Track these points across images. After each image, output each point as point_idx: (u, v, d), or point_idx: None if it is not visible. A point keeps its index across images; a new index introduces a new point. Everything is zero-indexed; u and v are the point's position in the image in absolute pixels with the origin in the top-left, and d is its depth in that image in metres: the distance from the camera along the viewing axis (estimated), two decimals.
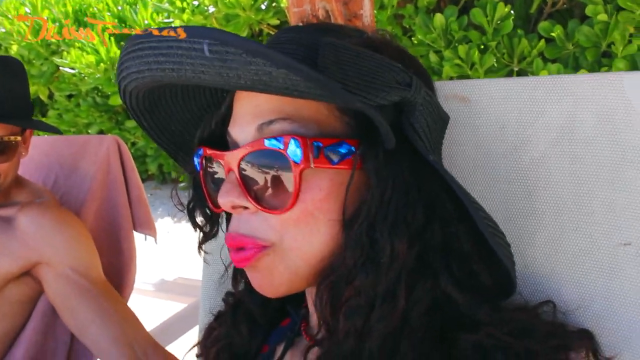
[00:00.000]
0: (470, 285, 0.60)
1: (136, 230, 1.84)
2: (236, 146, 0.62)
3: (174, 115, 0.72)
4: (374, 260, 0.57)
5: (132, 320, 1.41)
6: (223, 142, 0.66)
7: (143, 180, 1.87)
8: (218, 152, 0.63)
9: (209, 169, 0.67)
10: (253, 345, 0.78)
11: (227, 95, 0.68)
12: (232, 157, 0.61)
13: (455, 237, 0.60)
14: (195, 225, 0.75)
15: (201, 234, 0.76)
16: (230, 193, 0.60)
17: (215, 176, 0.66)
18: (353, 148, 0.59)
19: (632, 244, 0.66)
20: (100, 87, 5.06)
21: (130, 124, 5.45)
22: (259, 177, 0.60)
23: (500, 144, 0.74)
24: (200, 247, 0.77)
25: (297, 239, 0.60)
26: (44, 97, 5.95)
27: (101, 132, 5.81)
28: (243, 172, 0.60)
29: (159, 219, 5.13)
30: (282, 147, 0.58)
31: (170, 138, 0.75)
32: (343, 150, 0.59)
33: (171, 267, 3.71)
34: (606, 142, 0.68)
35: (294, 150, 0.57)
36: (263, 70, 0.48)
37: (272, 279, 0.62)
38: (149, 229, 1.83)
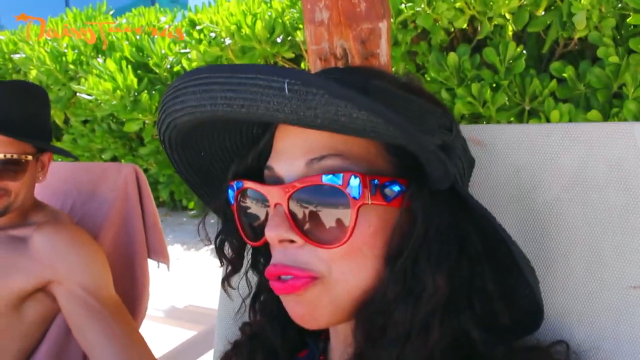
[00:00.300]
0: (489, 324, 0.62)
1: (150, 258, 1.86)
2: (280, 181, 0.64)
3: (205, 151, 0.74)
4: (415, 294, 0.59)
5: (139, 345, 1.41)
6: (258, 177, 0.67)
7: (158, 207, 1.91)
8: (264, 186, 0.64)
9: (242, 204, 0.69)
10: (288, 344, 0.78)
11: (268, 131, 0.70)
12: (280, 192, 0.62)
13: (480, 275, 0.62)
14: (224, 258, 0.77)
15: (229, 267, 0.77)
16: (279, 227, 0.61)
17: (249, 211, 0.68)
18: (404, 187, 0.61)
19: None
20: (115, 114, 5.12)
21: (144, 150, 5.50)
22: (310, 212, 0.61)
23: (515, 187, 0.77)
24: (227, 280, 0.78)
25: (344, 273, 0.62)
26: (59, 122, 6.02)
27: (115, 157, 5.86)
28: (292, 206, 0.62)
29: (169, 246, 5.12)
30: (340, 183, 0.59)
31: (198, 173, 0.76)
32: (396, 189, 0.61)
33: (181, 294, 3.71)
34: (616, 188, 0.71)
35: (353, 186, 0.59)
36: (344, 111, 0.50)
37: (315, 311, 0.63)
38: (162, 257, 1.86)
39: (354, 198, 0.59)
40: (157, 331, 2.73)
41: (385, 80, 0.65)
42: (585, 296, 0.72)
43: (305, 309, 0.63)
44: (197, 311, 2.31)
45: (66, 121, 6.10)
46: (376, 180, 0.60)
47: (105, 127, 5.68)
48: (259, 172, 0.69)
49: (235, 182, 0.68)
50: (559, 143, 0.75)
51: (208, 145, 0.73)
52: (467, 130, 0.81)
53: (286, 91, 0.50)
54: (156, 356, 1.95)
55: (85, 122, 5.93)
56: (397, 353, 0.60)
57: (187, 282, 3.92)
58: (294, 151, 0.63)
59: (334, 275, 0.62)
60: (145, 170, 5.79)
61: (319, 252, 0.61)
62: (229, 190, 0.69)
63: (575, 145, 0.74)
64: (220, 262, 0.78)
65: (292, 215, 0.61)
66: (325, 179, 0.59)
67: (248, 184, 0.66)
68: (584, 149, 0.73)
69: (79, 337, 1.39)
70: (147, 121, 4.94)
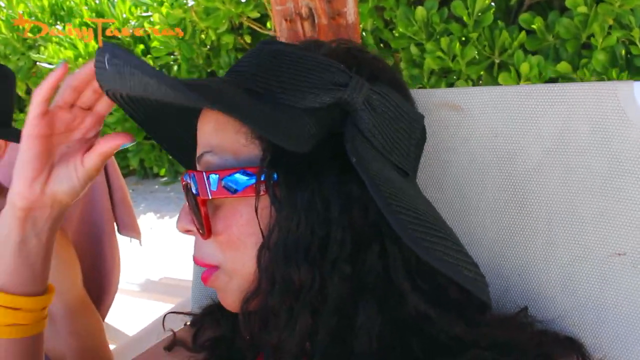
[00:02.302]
0: (441, 300, 0.59)
1: (120, 233, 1.82)
2: None
3: (175, 126, 0.76)
4: (276, 284, 0.59)
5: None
6: None
7: (124, 176, 1.85)
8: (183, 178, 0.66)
9: None
10: (249, 353, 0.77)
11: None
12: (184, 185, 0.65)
13: (414, 255, 0.58)
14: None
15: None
16: (183, 218, 0.66)
17: None
18: (254, 176, 0.59)
19: (626, 254, 0.66)
20: None
21: (111, 119, 5.38)
22: (191, 205, 0.64)
23: (493, 152, 0.74)
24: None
25: (234, 262, 0.63)
26: (21, 93, 5.86)
27: None
28: (189, 199, 0.64)
29: (142, 215, 5.08)
30: (189, 180, 0.63)
31: (178, 145, 0.77)
32: (242, 179, 0.60)
33: (155, 265, 3.68)
34: (599, 151, 0.68)
35: (192, 184, 0.62)
36: (143, 80, 0.54)
37: (226, 297, 0.66)
38: (133, 231, 1.81)
39: (196, 194, 0.62)
40: (132, 305, 2.70)
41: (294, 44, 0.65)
42: (567, 264, 0.70)
43: (220, 296, 0.67)
44: (173, 283, 2.28)
45: (28, 92, 5.93)
46: (214, 175, 0.61)
47: None
48: None
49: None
50: (538, 105, 0.71)
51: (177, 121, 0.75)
52: (442, 94, 0.78)
53: (106, 66, 0.57)
54: (133, 330, 1.93)
55: None
56: (275, 340, 0.60)
57: (162, 253, 3.88)
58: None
59: (229, 265, 0.64)
60: None
61: (212, 244, 0.64)
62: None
63: (556, 106, 0.70)
64: None
65: (190, 207, 0.64)
66: (185, 178, 0.63)
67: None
68: (564, 110, 0.70)
69: None
70: None
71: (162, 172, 5.68)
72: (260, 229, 0.60)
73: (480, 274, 0.58)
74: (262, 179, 0.59)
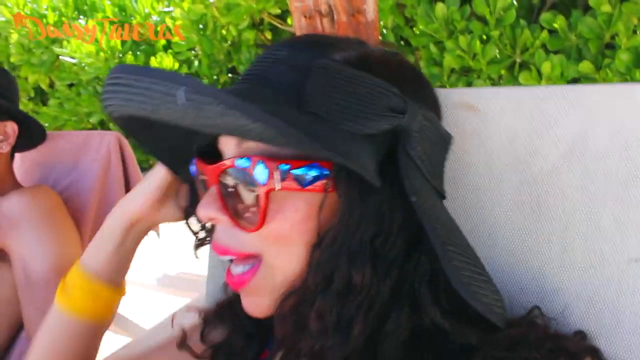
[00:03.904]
0: (461, 316, 0.59)
1: None
2: (220, 159, 0.62)
3: (172, 131, 0.71)
4: (332, 286, 0.58)
5: None
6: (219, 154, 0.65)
7: (143, 170, 1.86)
8: (204, 165, 0.63)
9: (201, 178, 0.67)
10: (252, 349, 0.77)
11: None
12: (213, 171, 0.61)
13: (442, 272, 0.58)
14: (191, 230, 0.77)
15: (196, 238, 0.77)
16: (209, 206, 0.61)
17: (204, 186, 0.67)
18: (327, 171, 0.58)
19: None
20: (100, 77, 5.03)
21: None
22: (236, 193, 0.60)
23: (510, 155, 0.73)
24: (195, 252, 0.78)
25: (277, 258, 0.61)
26: (44, 86, 5.92)
27: (102, 121, 5.79)
28: (222, 186, 0.61)
29: None
30: (249, 166, 0.58)
31: (169, 150, 0.74)
32: (314, 173, 0.58)
33: (172, 260, 3.70)
34: (617, 156, 0.67)
35: (260, 171, 0.57)
36: (238, 122, 0.49)
37: (261, 302, 0.63)
38: None
39: (260, 183, 0.58)
40: (149, 298, 2.72)
41: (338, 55, 0.61)
42: (583, 270, 0.69)
43: (252, 299, 0.64)
44: (189, 278, 2.29)
45: (51, 85, 6.00)
46: (286, 165, 0.57)
47: (91, 90, 5.59)
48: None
49: (193, 157, 0.67)
50: (556, 108, 0.70)
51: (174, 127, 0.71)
52: (459, 94, 0.77)
53: (184, 99, 0.49)
54: (149, 324, 1.94)
55: (70, 85, 5.83)
56: (317, 345, 0.58)
57: (178, 248, 3.90)
58: None
59: (272, 258, 0.61)
60: None
61: (250, 234, 0.60)
62: (191, 166, 0.68)
63: (574, 110, 0.69)
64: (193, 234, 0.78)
65: (223, 195, 0.61)
66: (237, 162, 0.58)
67: (197, 162, 0.66)
68: (583, 114, 0.69)
69: (21, 308, 1.36)
70: None
71: None
72: (317, 227, 0.59)
73: (504, 308, 0.61)
74: (333, 176, 0.58)
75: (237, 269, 0.63)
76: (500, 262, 0.74)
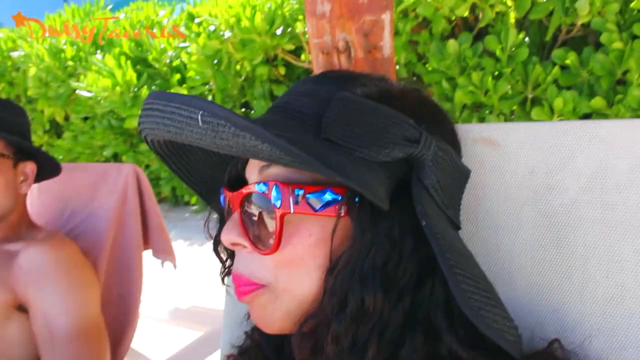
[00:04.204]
0: (478, 346, 0.59)
1: (155, 256, 1.85)
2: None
3: (202, 160, 0.75)
4: (346, 310, 0.58)
5: None
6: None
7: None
8: (229, 192, 0.66)
9: (229, 206, 0.69)
10: None
11: None
12: (236, 197, 0.64)
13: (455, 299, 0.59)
14: (219, 259, 0.77)
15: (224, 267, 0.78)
16: (231, 231, 0.63)
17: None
18: (339, 197, 0.60)
19: None
20: (115, 110, 5.09)
21: (145, 146, 5.48)
22: (255, 219, 0.63)
23: (529, 189, 0.74)
24: (222, 280, 0.79)
25: (289, 281, 0.62)
26: (60, 119, 6.00)
27: (116, 154, 5.84)
28: (244, 212, 0.64)
29: (172, 243, 5.12)
30: (266, 191, 0.60)
31: (200, 181, 0.77)
32: (327, 198, 0.60)
33: (185, 293, 3.70)
34: (637, 189, 0.67)
35: (275, 195, 0.60)
36: (250, 143, 0.52)
37: (265, 317, 0.65)
38: (167, 254, 1.85)
39: (276, 207, 0.60)
40: (160, 332, 2.71)
41: (358, 87, 0.64)
42: (605, 303, 0.69)
43: (257, 314, 0.66)
44: (202, 312, 2.28)
45: (67, 118, 6.07)
46: (300, 190, 0.60)
47: (105, 123, 5.66)
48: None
49: (222, 187, 0.70)
50: (575, 142, 0.71)
51: (205, 156, 0.74)
52: (479, 130, 0.78)
53: (199, 122, 0.53)
54: (160, 358, 1.93)
55: (85, 118, 5.91)
56: None
57: (191, 281, 3.90)
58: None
59: (280, 285, 0.63)
60: (147, 167, 5.78)
61: (265, 260, 0.62)
62: (221, 195, 0.70)
63: (593, 144, 0.70)
64: (221, 262, 0.78)
65: (244, 221, 0.63)
66: (257, 187, 0.61)
67: (225, 191, 0.68)
68: (602, 147, 0.70)
69: None
70: None
71: (194, 200, 5.72)
72: (330, 251, 0.60)
73: (519, 335, 0.61)
74: (345, 201, 0.59)
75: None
76: (520, 297, 0.74)
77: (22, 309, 1.37)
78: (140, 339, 1.86)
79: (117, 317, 1.69)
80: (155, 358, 2.06)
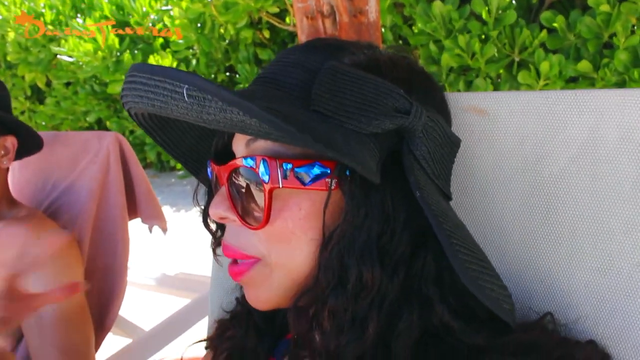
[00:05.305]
0: (469, 316, 0.60)
1: (144, 222, 1.84)
2: (231, 160, 0.63)
3: (187, 131, 0.73)
4: (344, 284, 0.58)
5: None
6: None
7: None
8: (216, 166, 0.65)
9: (216, 179, 0.68)
10: (260, 355, 0.77)
11: None
12: (223, 171, 0.63)
13: (447, 270, 0.59)
14: (209, 230, 0.77)
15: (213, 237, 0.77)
16: (219, 205, 0.63)
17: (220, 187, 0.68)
18: (328, 170, 0.59)
19: None
20: (98, 75, 5.02)
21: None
22: (243, 193, 0.62)
23: (519, 158, 0.73)
24: (214, 251, 0.78)
25: (282, 255, 0.62)
26: (41, 85, 5.91)
27: (99, 120, 5.78)
28: (232, 186, 0.63)
29: None
30: (254, 166, 0.59)
31: (186, 152, 0.76)
32: (316, 172, 0.59)
33: (172, 260, 3.70)
34: (628, 159, 0.67)
35: (263, 169, 0.59)
36: (238, 118, 0.51)
37: (259, 293, 0.65)
38: (158, 219, 1.84)
39: (264, 181, 0.59)
40: (148, 299, 2.71)
41: (347, 56, 0.63)
42: (592, 273, 0.69)
43: (251, 291, 0.65)
44: (189, 278, 2.29)
45: (48, 84, 5.98)
46: (288, 164, 0.59)
47: (88, 89, 5.58)
48: None
49: (209, 160, 0.69)
50: (566, 111, 0.70)
51: (190, 126, 0.73)
52: (469, 98, 0.77)
53: (185, 97, 0.51)
54: (148, 325, 1.94)
55: (67, 84, 5.82)
56: (332, 344, 0.59)
57: (178, 247, 3.90)
58: None
59: (273, 258, 0.62)
60: (131, 132, 5.73)
61: (256, 234, 0.62)
62: (208, 167, 0.69)
63: (584, 113, 0.69)
64: (210, 234, 0.77)
65: (232, 195, 0.63)
66: (244, 162, 0.60)
67: (213, 164, 0.67)
68: (593, 117, 0.69)
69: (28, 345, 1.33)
70: None
71: (179, 165, 5.70)
72: (322, 225, 0.59)
73: (512, 304, 0.61)
74: (336, 174, 0.58)
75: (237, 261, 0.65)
76: (508, 266, 0.74)
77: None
78: (128, 307, 1.86)
79: (104, 287, 1.69)
80: (143, 325, 2.07)
